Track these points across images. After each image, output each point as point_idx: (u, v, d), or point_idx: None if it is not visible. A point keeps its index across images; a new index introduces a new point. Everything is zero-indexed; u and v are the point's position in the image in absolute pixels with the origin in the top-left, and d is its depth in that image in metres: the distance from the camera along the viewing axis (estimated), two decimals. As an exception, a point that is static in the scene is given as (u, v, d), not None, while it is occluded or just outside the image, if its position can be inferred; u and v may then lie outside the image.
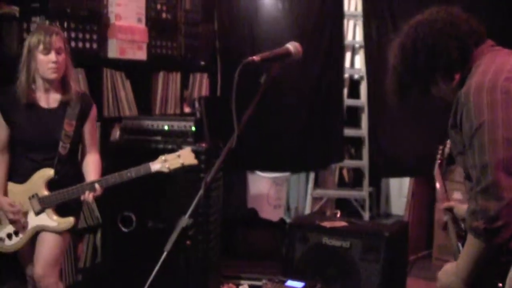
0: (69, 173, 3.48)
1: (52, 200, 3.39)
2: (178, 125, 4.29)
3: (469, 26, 2.23)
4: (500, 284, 2.20)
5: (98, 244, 4.68)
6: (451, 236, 2.60)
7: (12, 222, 3.42)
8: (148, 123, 4.34)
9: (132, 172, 3.40)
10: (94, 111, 3.61)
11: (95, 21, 4.47)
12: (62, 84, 3.44)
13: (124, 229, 4.28)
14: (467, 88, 2.10)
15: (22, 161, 3.43)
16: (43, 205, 3.40)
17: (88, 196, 3.35)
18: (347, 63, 5.99)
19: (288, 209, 6.70)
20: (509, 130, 2.00)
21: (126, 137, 4.33)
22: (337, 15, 5.76)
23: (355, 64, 6.14)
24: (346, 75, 5.95)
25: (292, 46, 2.20)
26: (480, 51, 2.22)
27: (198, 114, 5.10)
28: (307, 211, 6.03)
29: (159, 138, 4.27)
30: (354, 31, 6.10)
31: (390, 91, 2.36)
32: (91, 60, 4.50)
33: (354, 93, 6.08)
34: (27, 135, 3.39)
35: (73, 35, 4.30)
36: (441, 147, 3.02)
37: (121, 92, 4.78)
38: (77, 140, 3.52)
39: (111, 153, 4.29)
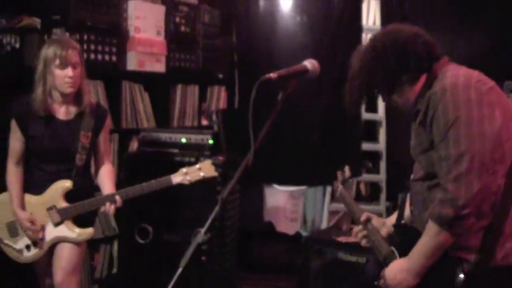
0: (85, 184, 3.49)
1: (72, 211, 3.38)
2: (195, 138, 4.30)
3: (431, 38, 2.41)
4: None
5: (114, 255, 4.70)
6: (380, 243, 2.64)
7: (29, 237, 3.43)
8: (166, 135, 4.36)
9: (153, 185, 3.41)
10: (108, 121, 3.62)
11: (115, 33, 4.52)
12: (77, 96, 3.43)
13: (140, 241, 4.29)
14: (442, 86, 2.24)
15: (38, 173, 3.43)
16: (62, 217, 3.39)
17: (109, 208, 3.35)
18: (365, 77, 5.96)
19: (304, 222, 6.68)
20: (482, 126, 2.15)
21: (144, 149, 4.35)
22: (355, 28, 5.75)
23: (373, 78, 6.11)
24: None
25: (309, 63, 2.21)
26: (443, 61, 2.39)
27: (215, 127, 5.12)
28: (324, 225, 6.00)
29: (176, 150, 4.29)
30: (372, 45, 6.08)
31: (352, 97, 2.49)
32: (110, 73, 4.54)
33: (372, 107, 6.06)
34: (43, 147, 3.38)
35: (92, 47, 4.34)
36: (340, 172, 3.17)
37: (139, 104, 4.81)
38: (92, 151, 3.54)
39: (129, 165, 4.32)
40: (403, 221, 2.59)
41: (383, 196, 6.02)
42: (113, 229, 4.63)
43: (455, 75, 2.28)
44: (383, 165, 5.96)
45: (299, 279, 4.39)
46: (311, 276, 4.24)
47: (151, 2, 4.89)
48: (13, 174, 3.43)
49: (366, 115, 5.95)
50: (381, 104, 5.93)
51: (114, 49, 4.50)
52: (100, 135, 3.52)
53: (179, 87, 5.20)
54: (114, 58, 4.51)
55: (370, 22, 5.99)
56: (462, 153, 2.13)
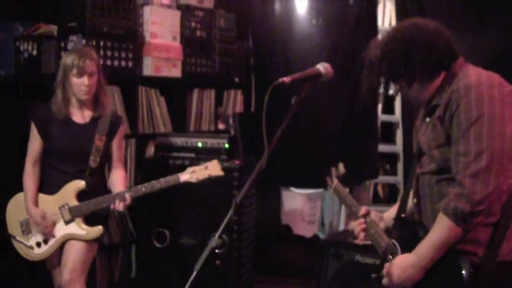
0: (98, 186, 3.64)
1: (83, 209, 3.51)
2: (211, 142, 4.32)
3: (451, 35, 2.39)
4: None
5: (132, 259, 4.73)
6: (380, 235, 2.64)
7: (41, 233, 3.55)
8: (182, 140, 4.38)
9: (161, 183, 3.52)
10: (122, 128, 3.77)
11: (131, 39, 4.55)
12: (94, 102, 3.62)
13: (158, 245, 4.32)
14: (466, 83, 2.24)
15: (54, 172, 3.59)
16: (73, 215, 3.52)
17: (118, 205, 3.46)
18: (381, 79, 5.94)
19: (322, 225, 6.67)
20: (503, 125, 2.18)
21: (161, 154, 4.37)
22: (371, 30, 5.74)
23: (390, 79, 6.09)
24: (380, 90, 5.90)
25: (322, 67, 2.22)
26: (460, 61, 2.39)
27: (232, 131, 5.14)
28: (341, 227, 5.99)
29: (192, 155, 4.30)
30: (388, 47, 6.06)
31: (370, 86, 2.49)
32: (126, 78, 4.57)
33: (389, 108, 6.04)
34: (61, 147, 3.55)
35: (109, 53, 4.37)
36: (334, 169, 3.16)
37: (156, 109, 4.83)
38: (106, 155, 3.66)
39: (145, 169, 4.34)
40: (403, 215, 2.58)
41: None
42: (130, 234, 4.66)
43: (478, 74, 2.29)
44: (400, 166, 5.93)
45: (316, 282, 4.38)
46: (329, 278, 4.23)
47: (166, 8, 4.92)
48: (29, 174, 3.58)
49: (383, 117, 5.93)
50: (398, 106, 5.91)
51: (130, 55, 4.53)
52: (113, 140, 3.67)
53: (195, 92, 5.22)
54: (130, 63, 4.54)
55: (386, 23, 5.98)
56: (482, 150, 2.15)
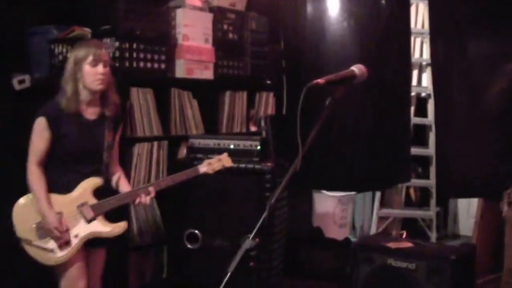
0: (108, 182, 3.61)
1: (106, 206, 3.43)
2: (244, 144, 4.32)
3: None
4: None
5: (164, 260, 4.75)
6: None
7: (55, 238, 3.34)
8: (214, 142, 4.39)
9: (182, 175, 3.67)
10: (122, 126, 3.74)
11: (163, 42, 4.57)
12: (102, 97, 3.50)
13: (189, 246, 4.33)
14: None
15: (66, 174, 3.42)
16: (96, 212, 3.41)
17: (146, 199, 3.50)
18: (414, 81, 5.91)
19: (353, 228, 6.64)
20: None
21: (193, 156, 4.38)
22: (404, 32, 5.70)
23: (422, 82, 6.06)
24: (413, 93, 5.87)
25: (357, 68, 2.21)
26: None
27: (264, 133, 5.12)
28: (373, 230, 5.96)
29: (225, 157, 4.30)
30: (421, 49, 6.03)
31: None
32: (159, 80, 4.60)
33: (421, 111, 6.00)
34: (77, 147, 3.41)
35: (141, 56, 4.40)
36: (508, 193, 2.95)
37: (188, 111, 4.85)
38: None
39: (178, 171, 4.35)
40: None
41: (433, 201, 5.95)
42: (162, 235, 4.68)
43: None
44: (432, 170, 5.89)
45: (348, 286, 4.36)
46: (360, 282, 4.21)
47: (199, 10, 4.94)
48: (37, 174, 3.36)
49: (415, 120, 5.89)
50: (430, 108, 5.87)
51: (163, 57, 4.56)
52: (115, 137, 3.61)
53: (227, 94, 5.23)
54: (163, 66, 4.56)
55: (419, 25, 5.94)
56: None
